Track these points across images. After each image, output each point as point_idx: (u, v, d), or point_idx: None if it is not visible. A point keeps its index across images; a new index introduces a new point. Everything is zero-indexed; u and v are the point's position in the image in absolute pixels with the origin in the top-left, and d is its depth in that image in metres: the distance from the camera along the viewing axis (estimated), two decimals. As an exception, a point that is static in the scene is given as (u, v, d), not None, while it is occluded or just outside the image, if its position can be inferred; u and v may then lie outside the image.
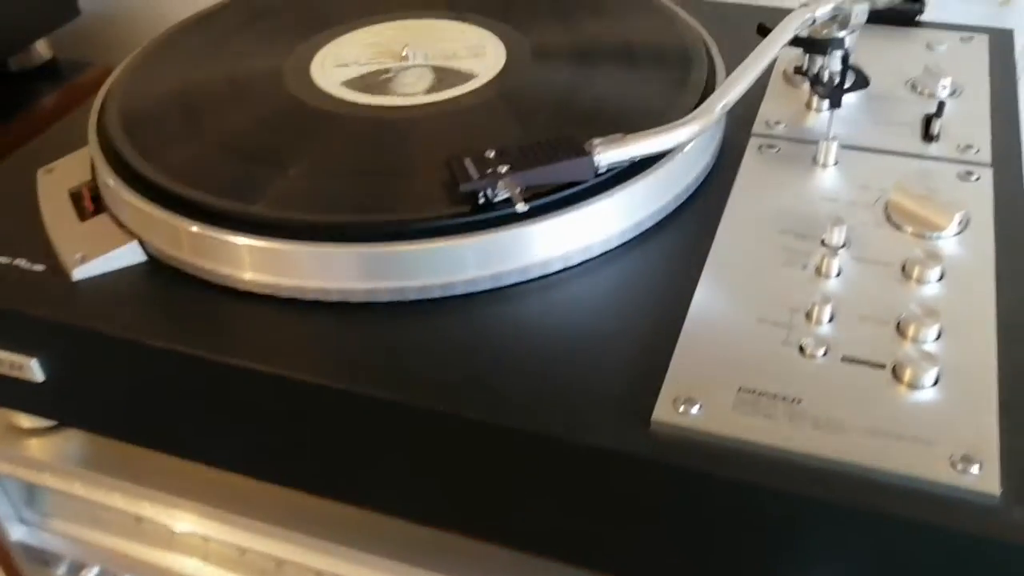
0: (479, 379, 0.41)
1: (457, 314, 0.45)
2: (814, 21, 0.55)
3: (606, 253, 0.47)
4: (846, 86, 0.49)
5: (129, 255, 0.49)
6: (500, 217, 0.45)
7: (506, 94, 0.55)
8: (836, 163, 0.52)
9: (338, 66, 0.59)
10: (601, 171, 0.46)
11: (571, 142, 0.45)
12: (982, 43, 0.63)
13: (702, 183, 0.51)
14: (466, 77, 0.56)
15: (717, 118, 0.48)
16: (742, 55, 0.51)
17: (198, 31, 0.65)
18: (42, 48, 0.97)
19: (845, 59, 0.49)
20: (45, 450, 0.57)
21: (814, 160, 0.52)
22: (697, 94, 0.54)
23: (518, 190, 0.44)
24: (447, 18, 0.64)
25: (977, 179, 0.50)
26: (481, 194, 0.44)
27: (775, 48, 0.52)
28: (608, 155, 0.45)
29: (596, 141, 0.45)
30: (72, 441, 0.57)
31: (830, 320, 0.42)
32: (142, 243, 0.49)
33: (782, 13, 0.62)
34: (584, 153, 0.45)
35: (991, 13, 0.74)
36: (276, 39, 0.63)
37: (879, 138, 0.54)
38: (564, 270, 0.47)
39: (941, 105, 0.52)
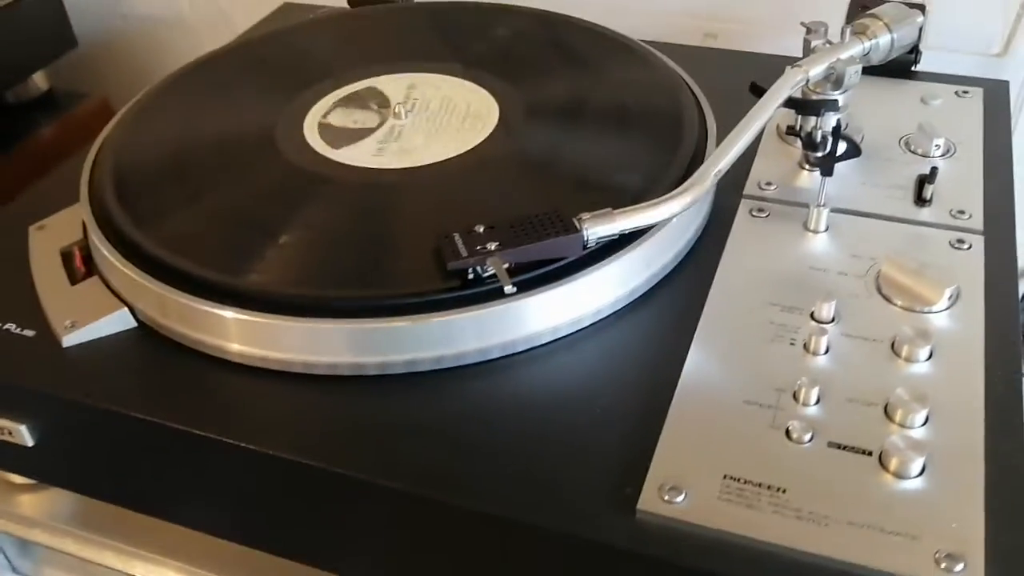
0: (465, 461, 0.41)
1: (444, 388, 0.45)
2: (807, 81, 0.54)
3: (596, 323, 0.47)
4: (838, 154, 0.49)
5: (119, 322, 0.49)
6: (488, 292, 0.45)
7: (496, 159, 0.55)
8: (827, 229, 0.52)
9: (329, 125, 0.59)
10: (590, 246, 0.46)
11: (560, 218, 0.45)
12: (977, 97, 0.62)
13: (692, 247, 0.51)
14: (458, 139, 0.56)
15: (709, 187, 0.48)
16: (734, 108, 0.51)
17: (195, 82, 0.65)
18: (39, 79, 0.97)
19: (837, 128, 0.48)
20: (37, 507, 0.57)
21: (804, 225, 0.52)
22: (688, 154, 0.54)
23: (505, 268, 0.43)
24: (442, 72, 0.64)
25: (969, 248, 0.50)
26: (470, 271, 0.44)
27: (768, 111, 0.52)
28: (597, 231, 0.45)
29: (585, 217, 0.45)
30: (64, 498, 0.57)
31: (817, 402, 0.42)
32: (132, 310, 0.49)
33: (769, 60, 0.63)
34: (573, 230, 0.45)
35: (986, 62, 0.74)
36: (272, 92, 0.63)
37: (871, 201, 0.54)
38: (553, 341, 0.47)
39: (934, 171, 0.52)
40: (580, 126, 0.57)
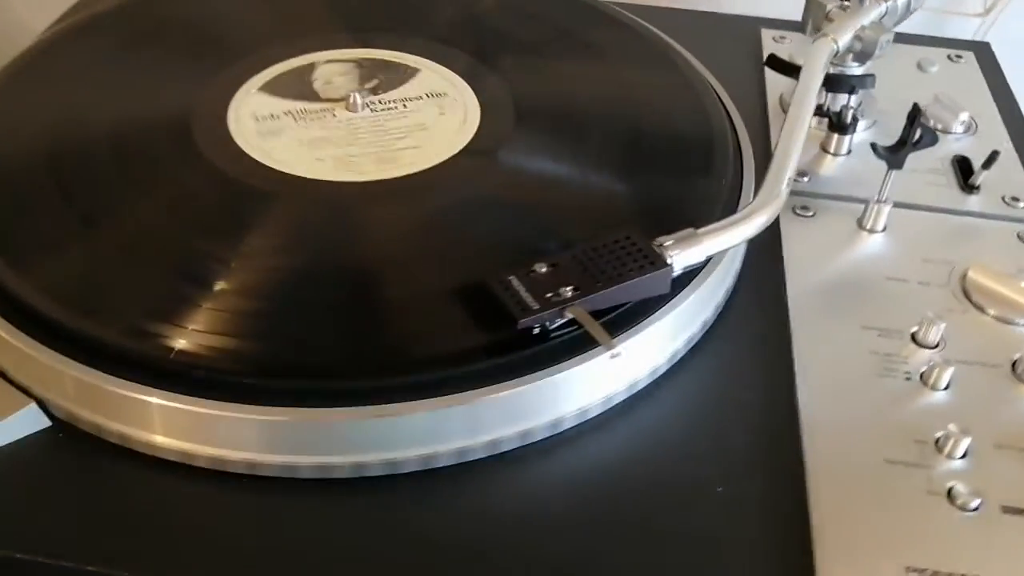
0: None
1: (465, 487, 0.34)
2: (837, 51, 0.47)
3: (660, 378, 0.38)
4: (914, 142, 0.42)
5: (29, 422, 0.35)
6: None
7: (486, 171, 0.43)
8: (884, 228, 0.45)
9: (261, 118, 0.45)
10: (674, 276, 0.36)
11: (637, 246, 0.36)
12: (971, 61, 0.58)
13: (743, 262, 0.43)
14: (431, 144, 0.44)
15: (785, 197, 0.40)
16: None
17: (68, 54, 0.49)
18: None
19: (916, 113, 0.41)
20: None
21: (859, 224, 0.45)
22: (725, 155, 0.45)
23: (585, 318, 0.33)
24: (396, 49, 0.51)
25: (1039, 242, 0.45)
26: (536, 326, 0.34)
27: (814, 95, 0.44)
28: (684, 258, 0.36)
29: (667, 243, 0.36)
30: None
31: (963, 455, 0.35)
32: (41, 403, 0.35)
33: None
34: (661, 263, 0.35)
35: (946, 22, 0.70)
36: (178, 69, 0.48)
37: (913, 190, 0.47)
38: (609, 409, 0.37)
39: (994, 155, 0.46)
40: (586, 130, 0.46)
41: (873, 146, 0.43)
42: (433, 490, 0.34)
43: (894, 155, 0.42)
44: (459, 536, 0.32)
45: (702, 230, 0.37)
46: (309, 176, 0.42)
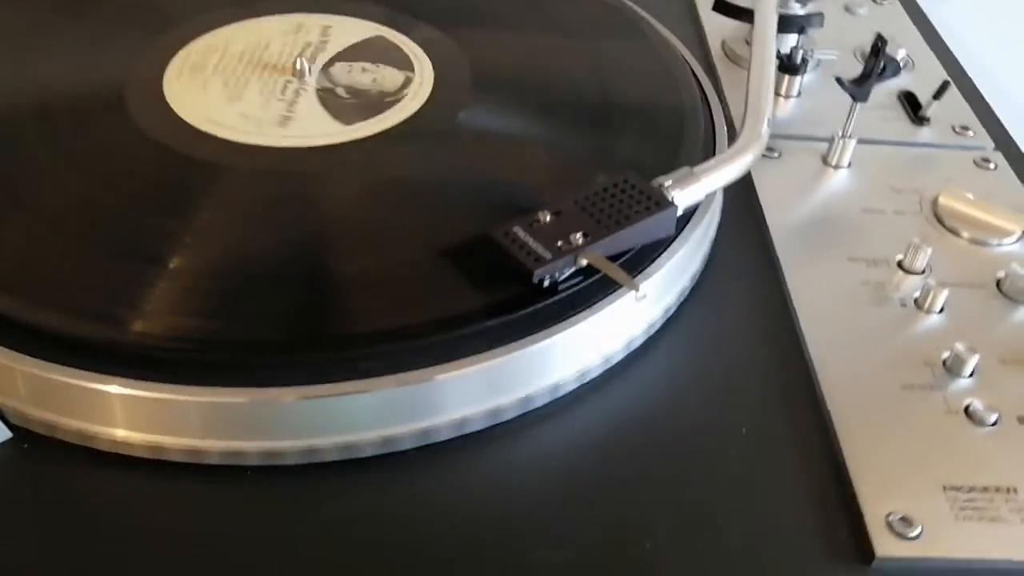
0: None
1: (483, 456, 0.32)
2: (784, -9, 0.47)
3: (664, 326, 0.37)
4: (879, 72, 0.42)
5: (-18, 436, 0.31)
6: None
7: (445, 134, 0.41)
8: (850, 164, 0.45)
9: (202, 85, 0.42)
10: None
11: (637, 187, 0.34)
12: (894, 4, 0.59)
13: (723, 208, 0.42)
14: (386, 103, 0.42)
15: (767, 137, 0.39)
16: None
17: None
18: None
19: (880, 44, 0.41)
20: None
21: (824, 161, 0.45)
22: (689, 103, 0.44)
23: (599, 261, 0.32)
24: (341, 14, 0.48)
25: (995, 167, 0.46)
26: (547, 277, 0.32)
27: (773, 33, 0.44)
28: (684, 196, 0.35)
29: (666, 183, 0.35)
30: None
31: (971, 374, 0.35)
32: None
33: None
34: (665, 203, 0.34)
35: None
36: (108, 31, 0.44)
37: (865, 125, 0.47)
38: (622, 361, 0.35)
39: (945, 84, 0.46)
40: (549, 80, 0.44)
41: (839, 80, 0.43)
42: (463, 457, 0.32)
43: (860, 88, 0.42)
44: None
45: (698, 168, 0.36)
46: (251, 143, 0.39)
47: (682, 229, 0.36)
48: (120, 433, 0.31)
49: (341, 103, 0.41)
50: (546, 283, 0.32)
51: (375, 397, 0.30)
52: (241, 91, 0.42)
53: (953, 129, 0.48)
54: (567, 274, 0.33)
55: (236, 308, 0.32)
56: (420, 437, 0.31)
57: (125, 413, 0.30)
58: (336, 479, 0.31)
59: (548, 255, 0.31)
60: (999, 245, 0.41)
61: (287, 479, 0.31)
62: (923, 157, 0.46)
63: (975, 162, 0.46)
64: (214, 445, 0.31)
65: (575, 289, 0.33)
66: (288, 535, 0.29)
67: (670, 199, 0.34)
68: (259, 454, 0.31)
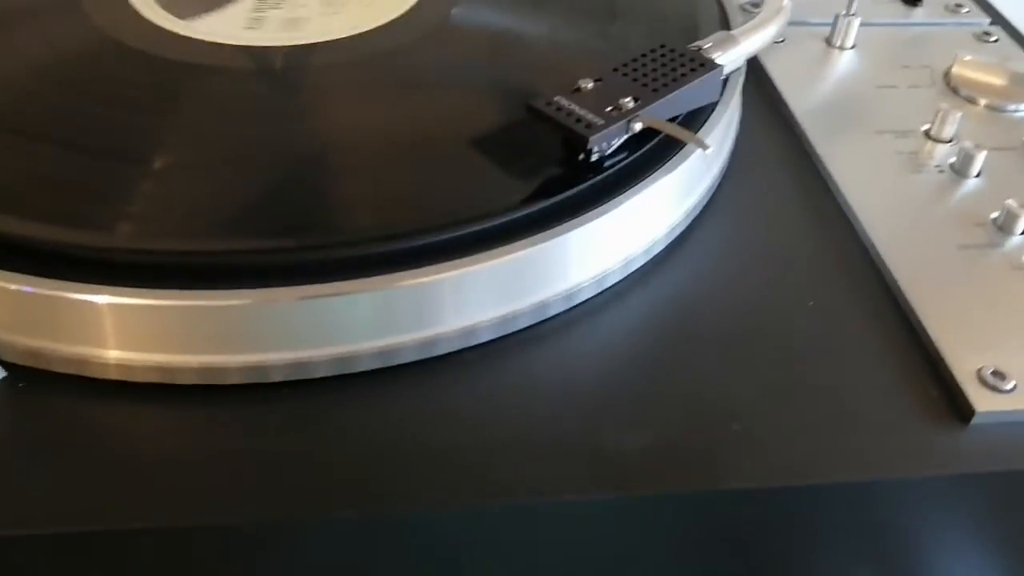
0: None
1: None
2: None
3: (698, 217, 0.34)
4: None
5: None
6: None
7: (441, 30, 0.38)
8: (854, 45, 0.43)
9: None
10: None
11: (679, 52, 0.32)
12: None
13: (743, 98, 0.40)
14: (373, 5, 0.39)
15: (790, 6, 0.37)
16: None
17: None
18: None
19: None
20: None
21: (828, 43, 0.43)
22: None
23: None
24: None
25: (996, 40, 0.45)
26: (596, 148, 0.29)
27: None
28: (727, 58, 0.32)
29: (706, 46, 0.32)
30: None
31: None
32: (-11, 346, 0.27)
33: None
34: (710, 65, 0.31)
35: None
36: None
37: (860, 8, 0.46)
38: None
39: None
40: None
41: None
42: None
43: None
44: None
45: (736, 31, 0.33)
46: (229, 43, 0.35)
47: (710, 113, 0.34)
48: (113, 354, 0.27)
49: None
50: (594, 156, 0.29)
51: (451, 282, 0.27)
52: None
53: (946, 8, 0.47)
54: (615, 146, 0.30)
55: (244, 212, 0.29)
56: (500, 326, 0.28)
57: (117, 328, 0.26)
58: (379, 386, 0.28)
59: (600, 120, 0.29)
60: (1016, 111, 0.40)
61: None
62: (923, 35, 0.45)
63: (976, 36, 0.45)
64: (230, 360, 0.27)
65: (620, 166, 0.31)
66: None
67: (716, 61, 0.31)
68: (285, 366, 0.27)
